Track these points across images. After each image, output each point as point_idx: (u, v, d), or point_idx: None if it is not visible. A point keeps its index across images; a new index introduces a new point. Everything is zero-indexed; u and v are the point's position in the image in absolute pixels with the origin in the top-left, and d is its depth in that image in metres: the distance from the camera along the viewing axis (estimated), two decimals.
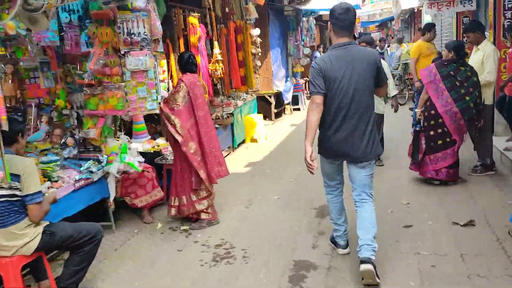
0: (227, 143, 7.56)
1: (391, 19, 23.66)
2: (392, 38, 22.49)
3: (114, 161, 4.16)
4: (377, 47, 13.66)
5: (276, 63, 10.90)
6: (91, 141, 4.34)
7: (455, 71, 4.85)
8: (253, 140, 8.57)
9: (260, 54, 8.08)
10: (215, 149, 4.45)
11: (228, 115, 7.45)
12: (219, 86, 7.49)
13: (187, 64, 4.38)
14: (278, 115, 11.17)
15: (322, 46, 16.30)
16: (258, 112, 10.72)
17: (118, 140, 4.48)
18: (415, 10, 14.91)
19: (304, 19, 11.59)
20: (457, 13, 8.88)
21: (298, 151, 6.71)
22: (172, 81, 5.81)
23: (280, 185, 5.71)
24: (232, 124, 7.68)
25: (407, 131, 7.50)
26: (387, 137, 6.72)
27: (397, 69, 12.07)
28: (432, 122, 4.98)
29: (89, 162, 4.11)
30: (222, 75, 6.72)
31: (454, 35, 9.72)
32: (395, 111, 6.28)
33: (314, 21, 13.23)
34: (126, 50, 3.66)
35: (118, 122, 4.95)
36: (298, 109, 12.10)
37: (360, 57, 3.03)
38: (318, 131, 3.18)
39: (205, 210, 4.44)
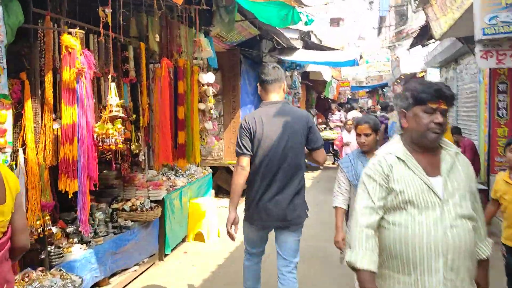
0: (148, 249, 4.67)
1: (384, 85, 21.98)
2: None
3: None
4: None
5: None
6: None
7: None
8: (199, 238, 5.70)
9: (212, 111, 5.43)
10: None
11: (155, 205, 4.65)
12: (142, 158, 4.71)
13: None
14: None
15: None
16: (218, 191, 7.97)
17: None
18: (417, 75, 12.84)
19: (288, 73, 9.25)
20: (490, 74, 6.54)
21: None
22: (25, 149, 3.04)
23: None
24: (163, 217, 4.86)
25: None
26: None
27: None
28: None
29: None
30: (127, 145, 4.01)
31: (481, 108, 7.41)
32: None
33: (299, 77, 10.94)
34: None
35: None
36: None
37: (291, 117, 2.95)
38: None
39: None
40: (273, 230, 3.05)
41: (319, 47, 9.11)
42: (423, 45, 10.35)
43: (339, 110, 14.51)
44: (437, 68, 11.12)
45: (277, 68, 3.07)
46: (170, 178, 5.36)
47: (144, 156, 4.74)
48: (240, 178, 2.89)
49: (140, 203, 4.50)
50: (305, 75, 14.18)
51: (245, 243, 3.18)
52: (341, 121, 12.86)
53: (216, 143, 6.37)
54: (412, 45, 10.25)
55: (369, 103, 28.97)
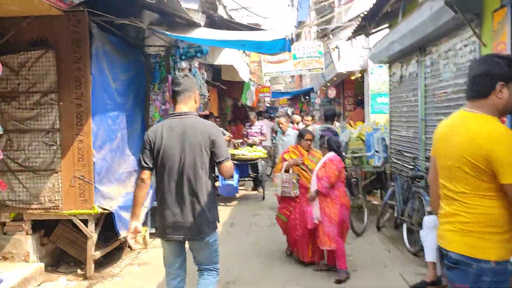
0: None
1: (307, 91, 19.70)
2: (307, 114, 18.12)
3: None
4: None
5: (112, 143, 4.93)
6: None
7: None
8: None
9: None
10: None
11: None
12: None
13: None
14: (109, 261, 5.01)
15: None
16: (59, 260, 4.53)
17: None
18: (357, 76, 10.34)
19: (183, 64, 6.00)
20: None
21: None
22: None
23: None
24: None
25: None
26: None
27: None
28: None
29: None
30: None
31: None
32: None
33: (205, 75, 7.72)
34: None
35: None
36: None
37: (194, 129, 2.92)
38: None
39: None
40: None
41: (233, 27, 6.04)
42: (369, 33, 7.77)
43: (258, 120, 11.59)
44: (383, 65, 8.66)
45: (187, 76, 3.07)
46: None
47: None
48: (140, 191, 2.96)
49: None
50: (216, 75, 11.06)
51: (164, 265, 3.13)
52: (262, 133, 9.92)
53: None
54: (356, 32, 7.61)
55: (289, 112, 26.79)
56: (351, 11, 10.53)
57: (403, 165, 6.26)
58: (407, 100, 6.96)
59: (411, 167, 6.02)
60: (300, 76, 24.70)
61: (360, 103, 10.45)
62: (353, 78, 11.23)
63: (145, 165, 2.91)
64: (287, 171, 4.98)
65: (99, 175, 4.65)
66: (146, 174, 2.92)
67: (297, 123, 9.85)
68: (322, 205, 4.62)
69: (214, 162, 2.95)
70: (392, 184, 6.25)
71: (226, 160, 2.96)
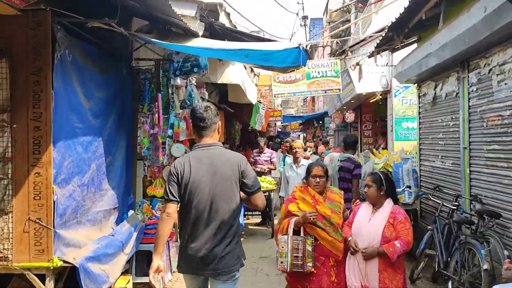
0: None
1: (321, 115, 18.69)
2: (321, 140, 17.12)
3: None
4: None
5: (83, 176, 3.94)
6: None
7: None
8: None
9: None
10: None
11: None
12: None
13: None
14: None
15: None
16: None
17: None
18: (378, 98, 9.31)
19: (178, 80, 5.03)
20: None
21: None
22: None
23: None
24: None
25: None
26: None
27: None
28: None
29: None
30: None
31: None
32: None
33: (206, 94, 6.71)
34: None
35: None
36: None
37: (220, 161, 2.88)
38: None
39: None
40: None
41: (236, 37, 5.11)
42: (395, 48, 6.80)
43: (268, 146, 10.56)
44: (410, 86, 7.65)
45: (210, 108, 2.96)
46: None
47: None
48: (165, 226, 2.85)
49: None
50: (223, 97, 10.15)
51: None
52: (271, 162, 8.88)
53: None
54: (381, 46, 6.65)
55: (300, 138, 25.73)
56: (370, 28, 9.61)
57: (444, 205, 5.13)
58: (443, 125, 5.90)
59: (454, 207, 4.90)
60: (313, 99, 23.79)
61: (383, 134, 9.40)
62: (372, 100, 10.22)
63: (172, 198, 2.84)
64: (296, 231, 3.51)
65: (61, 218, 3.64)
66: (172, 208, 2.85)
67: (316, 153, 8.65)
68: (381, 276, 3.30)
69: (246, 193, 2.91)
70: (430, 227, 5.12)
71: (258, 190, 2.93)
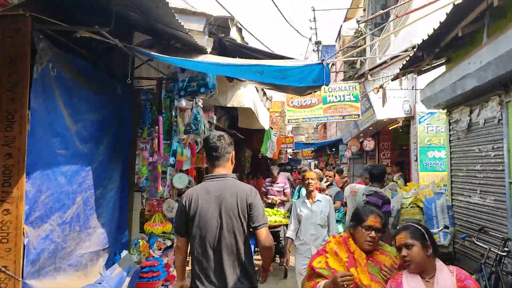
0: None
1: (334, 142, 18.00)
2: (334, 168, 16.34)
3: None
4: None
5: (65, 212, 3.30)
6: None
7: None
8: None
9: None
10: None
11: None
12: None
13: None
14: None
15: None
16: None
17: None
18: (399, 124, 8.64)
19: (183, 102, 4.44)
20: None
21: None
22: None
23: None
24: None
25: None
26: None
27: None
28: None
29: None
30: None
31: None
32: None
33: (215, 118, 6.12)
34: None
35: None
36: None
37: (231, 192, 2.77)
38: None
39: None
40: None
41: (249, 54, 4.55)
42: (421, 71, 6.20)
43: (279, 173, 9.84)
44: (436, 112, 7.00)
45: (223, 137, 2.90)
46: None
47: None
48: (177, 257, 3.00)
49: None
50: (233, 122, 9.57)
51: None
52: (284, 192, 8.18)
53: None
54: (407, 67, 6.04)
55: (311, 165, 24.95)
56: (389, 51, 9.06)
57: (491, 250, 4.37)
58: (482, 155, 5.20)
59: (503, 253, 4.15)
60: (325, 125, 23.17)
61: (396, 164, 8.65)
62: (391, 127, 9.55)
63: (180, 231, 2.87)
64: None
65: (34, 265, 2.99)
66: (182, 241, 2.90)
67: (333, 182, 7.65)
68: None
69: (251, 227, 2.79)
70: (474, 275, 4.35)
71: (263, 226, 2.79)
